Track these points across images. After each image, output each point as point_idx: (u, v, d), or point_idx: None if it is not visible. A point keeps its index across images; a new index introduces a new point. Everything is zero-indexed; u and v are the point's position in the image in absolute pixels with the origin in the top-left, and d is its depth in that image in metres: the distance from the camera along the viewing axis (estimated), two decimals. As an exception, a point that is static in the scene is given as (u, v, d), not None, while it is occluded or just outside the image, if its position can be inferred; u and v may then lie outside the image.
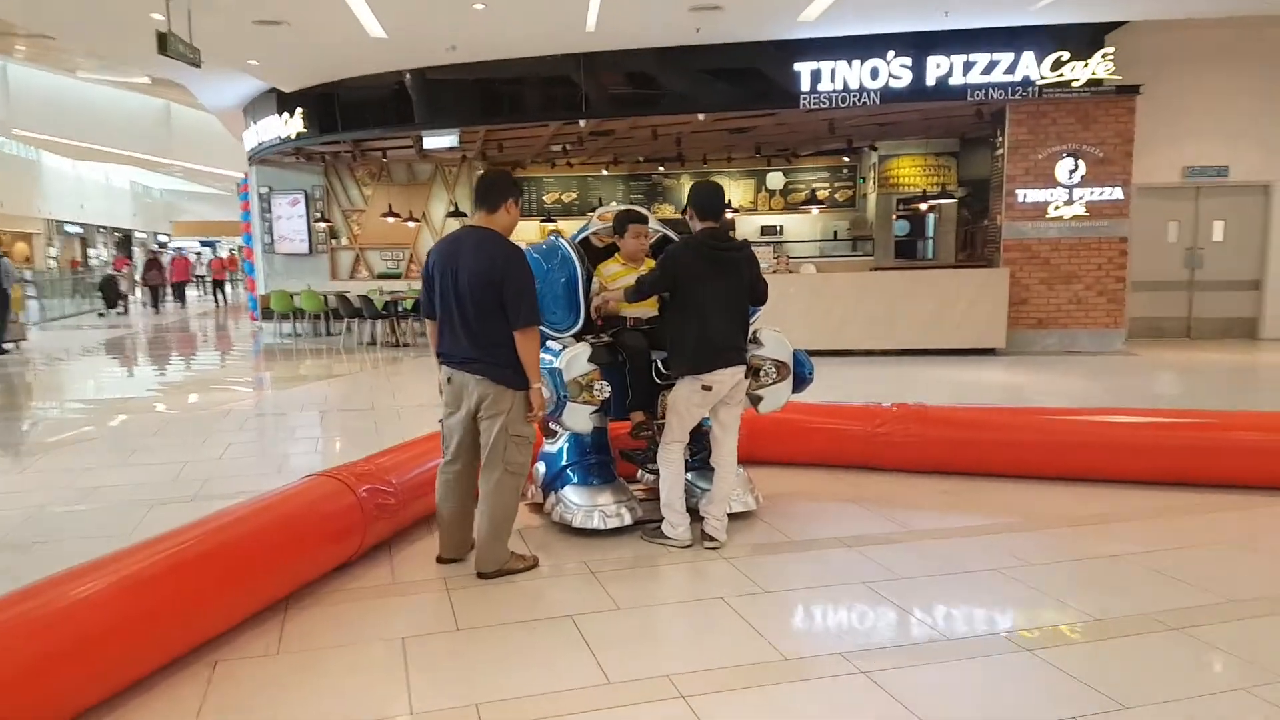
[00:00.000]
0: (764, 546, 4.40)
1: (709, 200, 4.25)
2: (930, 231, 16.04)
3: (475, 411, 3.89)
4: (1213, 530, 4.65)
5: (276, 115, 14.80)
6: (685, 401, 4.21)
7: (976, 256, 14.56)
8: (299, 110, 14.35)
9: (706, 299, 4.13)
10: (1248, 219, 12.75)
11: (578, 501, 4.54)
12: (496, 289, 3.74)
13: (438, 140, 13.54)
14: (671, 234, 5.10)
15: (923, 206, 14.90)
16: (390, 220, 16.10)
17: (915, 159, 16.04)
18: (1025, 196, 11.92)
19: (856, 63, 11.60)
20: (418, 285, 16.61)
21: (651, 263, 4.95)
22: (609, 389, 4.35)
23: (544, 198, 18.25)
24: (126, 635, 2.98)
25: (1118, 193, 11.79)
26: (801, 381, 4.66)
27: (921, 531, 4.60)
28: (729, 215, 16.32)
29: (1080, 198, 11.85)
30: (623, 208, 4.92)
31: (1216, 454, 5.18)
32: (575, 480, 4.66)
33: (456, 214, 15.93)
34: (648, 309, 4.76)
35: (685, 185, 18.19)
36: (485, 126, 13.31)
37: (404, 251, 17.11)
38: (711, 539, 4.33)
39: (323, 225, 16.96)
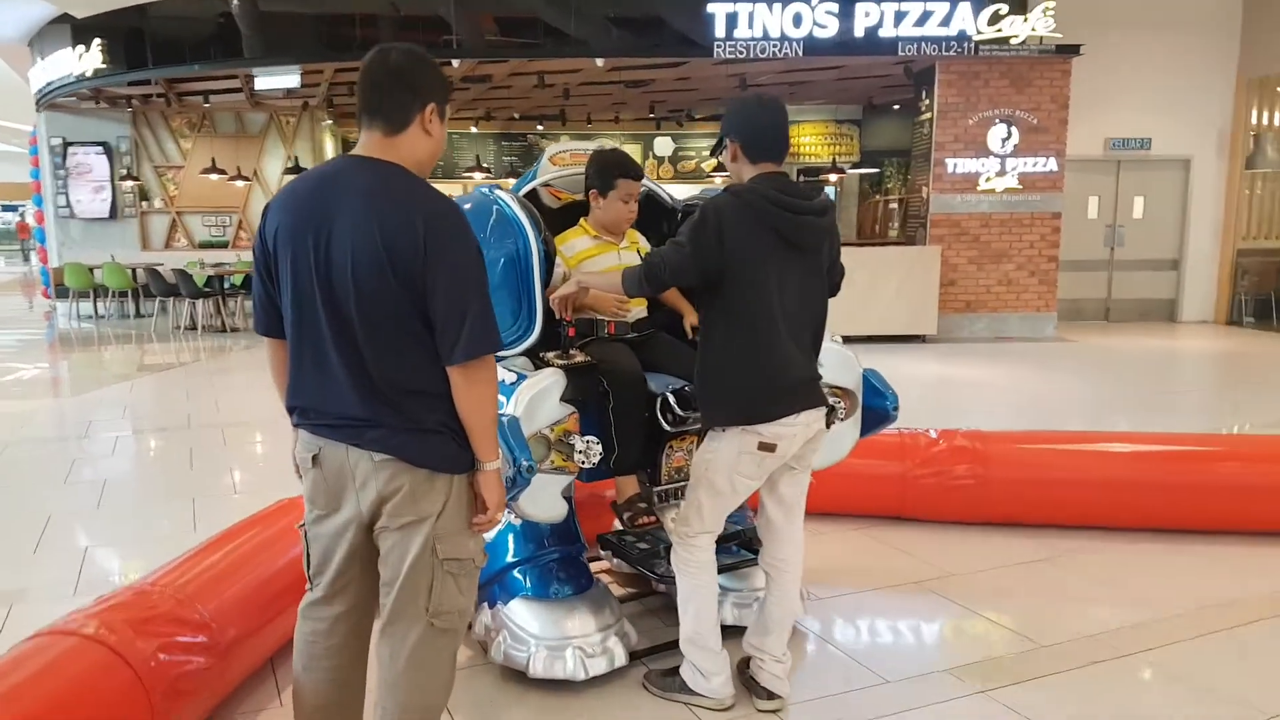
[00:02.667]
0: (849, 698, 2.72)
1: (771, 129, 2.49)
2: (831, 205, 14.83)
3: (373, 518, 2.04)
4: None
5: (70, 49, 12.24)
6: (729, 469, 2.48)
7: (883, 233, 13.47)
8: (97, 42, 11.86)
9: (771, 296, 2.42)
10: (1168, 195, 12.08)
11: (535, 630, 2.75)
12: (411, 281, 1.89)
13: (273, 81, 11.18)
14: (664, 194, 3.33)
15: (833, 178, 13.58)
16: (214, 178, 13.50)
17: (818, 126, 14.78)
18: (955, 167, 10.73)
19: (778, 6, 10.05)
20: (249, 258, 14.27)
21: (638, 238, 3.18)
22: (598, 447, 2.56)
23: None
24: None
25: (1052, 164, 10.76)
26: (880, 419, 3.00)
27: (1065, 650, 3.03)
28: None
29: (1013, 169, 10.75)
30: (605, 147, 3.11)
31: None
32: (529, 589, 2.86)
33: (296, 170, 13.47)
34: (637, 305, 3.01)
35: (562, 148, 16.33)
36: (333, 64, 11.04)
37: (231, 216, 14.52)
38: (768, 692, 2.63)
39: (130, 184, 14.11)
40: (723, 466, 2.48)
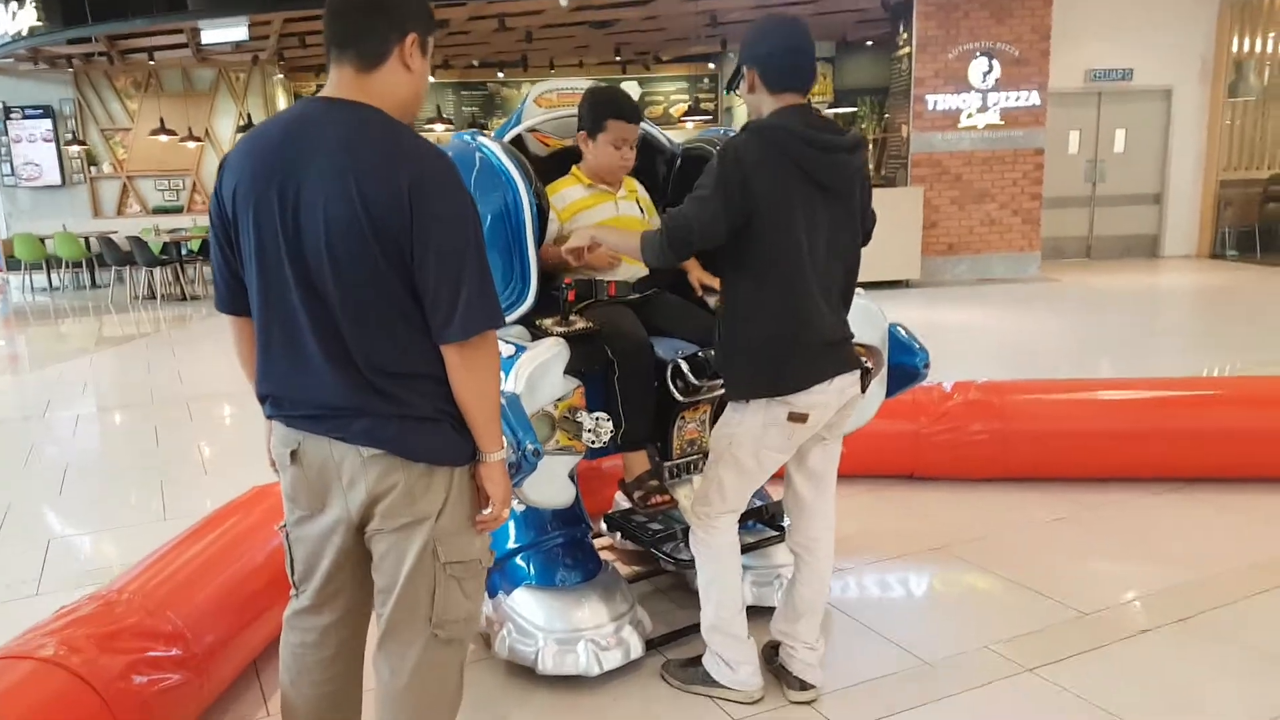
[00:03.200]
0: (887, 684, 2.51)
1: (793, 53, 2.18)
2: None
3: (364, 520, 1.77)
4: None
5: (2, 7, 11.43)
6: (755, 443, 2.23)
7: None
8: (31, -1, 11.00)
9: (801, 247, 2.14)
10: (1149, 127, 11.85)
11: (542, 622, 2.51)
12: (397, 248, 1.60)
13: (221, 34, 10.58)
14: (661, 138, 3.03)
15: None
16: (164, 140, 12.92)
17: (789, 65, 14.32)
18: (936, 103, 10.42)
19: (752, -65, 9.64)
20: (205, 222, 13.64)
21: (636, 187, 2.89)
22: (609, 424, 2.30)
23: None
24: None
25: (1034, 98, 10.49)
26: (908, 378, 2.75)
27: (1109, 618, 2.82)
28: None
29: (995, 104, 10.46)
30: (597, 85, 2.80)
31: None
32: (533, 577, 2.61)
33: (250, 128, 12.87)
34: (635, 262, 2.73)
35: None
36: (282, 14, 10.46)
37: (185, 179, 13.94)
38: (800, 682, 2.41)
39: (77, 149, 13.47)
40: (748, 441, 2.22)
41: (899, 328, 2.75)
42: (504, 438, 1.83)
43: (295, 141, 1.62)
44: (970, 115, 10.45)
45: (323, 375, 1.66)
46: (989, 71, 10.40)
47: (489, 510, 1.81)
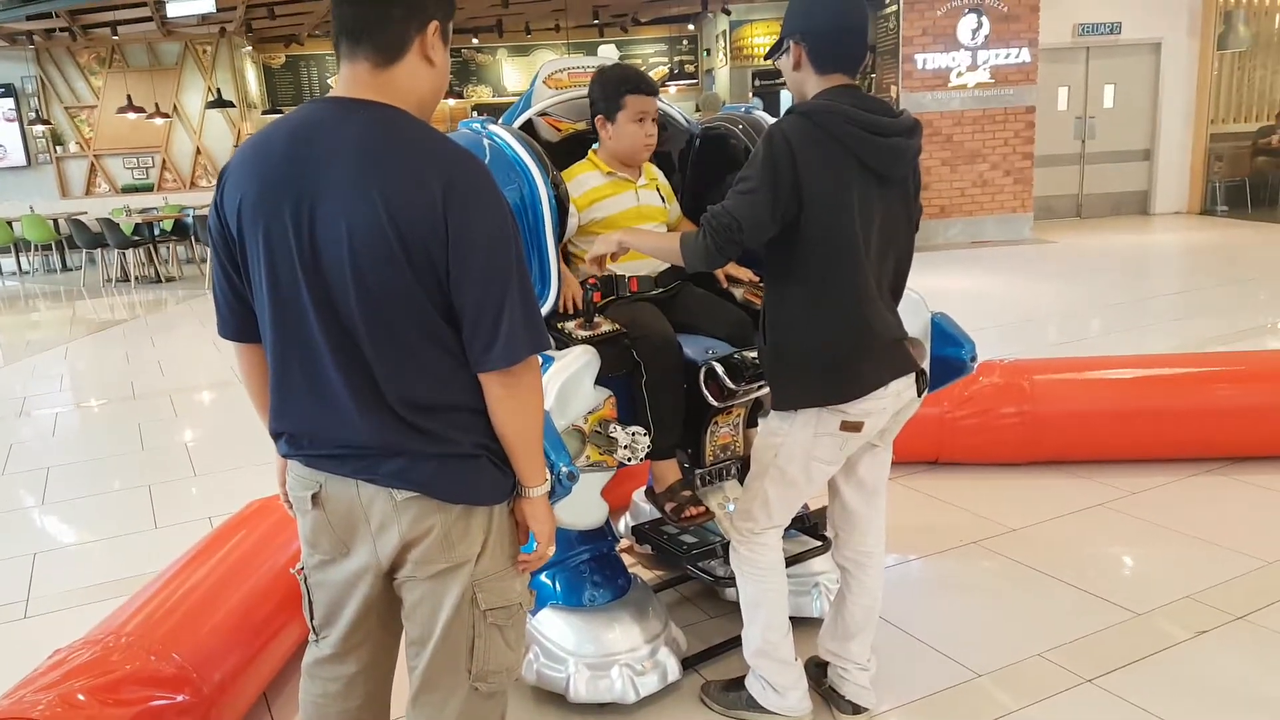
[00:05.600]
0: (940, 700, 2.38)
1: (851, 32, 1.98)
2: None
3: (394, 566, 1.59)
4: None
5: (-48, -20, 10.85)
6: (804, 455, 2.06)
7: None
8: (-18, -29, 10.51)
9: (855, 240, 1.96)
10: (1138, 82, 11.71)
11: (572, 646, 2.35)
12: (430, 267, 1.41)
13: (186, 6, 10.15)
14: (678, 115, 2.83)
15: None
16: (132, 117, 12.50)
17: (771, 25, 14.04)
18: (925, 62, 10.24)
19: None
20: (177, 200, 13.37)
21: (657, 174, 2.69)
22: (645, 439, 2.12)
23: (329, 81, 14.98)
24: None
25: (1024, 54, 10.30)
26: (954, 371, 2.58)
27: (1166, 618, 2.68)
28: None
29: (985, 61, 10.28)
30: (611, 62, 2.60)
31: None
32: (559, 596, 2.45)
33: (219, 103, 12.50)
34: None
35: (504, 63, 15.46)
36: (251, -15, 10.10)
37: (154, 156, 13.55)
38: (853, 705, 2.27)
39: (41, 129, 13.03)
40: (796, 453, 2.06)
41: (943, 318, 2.58)
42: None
43: (307, 149, 1.41)
44: (960, 74, 10.27)
45: (347, 411, 1.48)
46: (978, 28, 10.21)
47: (532, 548, 1.65)
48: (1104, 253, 9.60)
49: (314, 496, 1.57)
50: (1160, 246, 10.22)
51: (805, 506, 2.69)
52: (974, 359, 2.50)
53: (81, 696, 1.91)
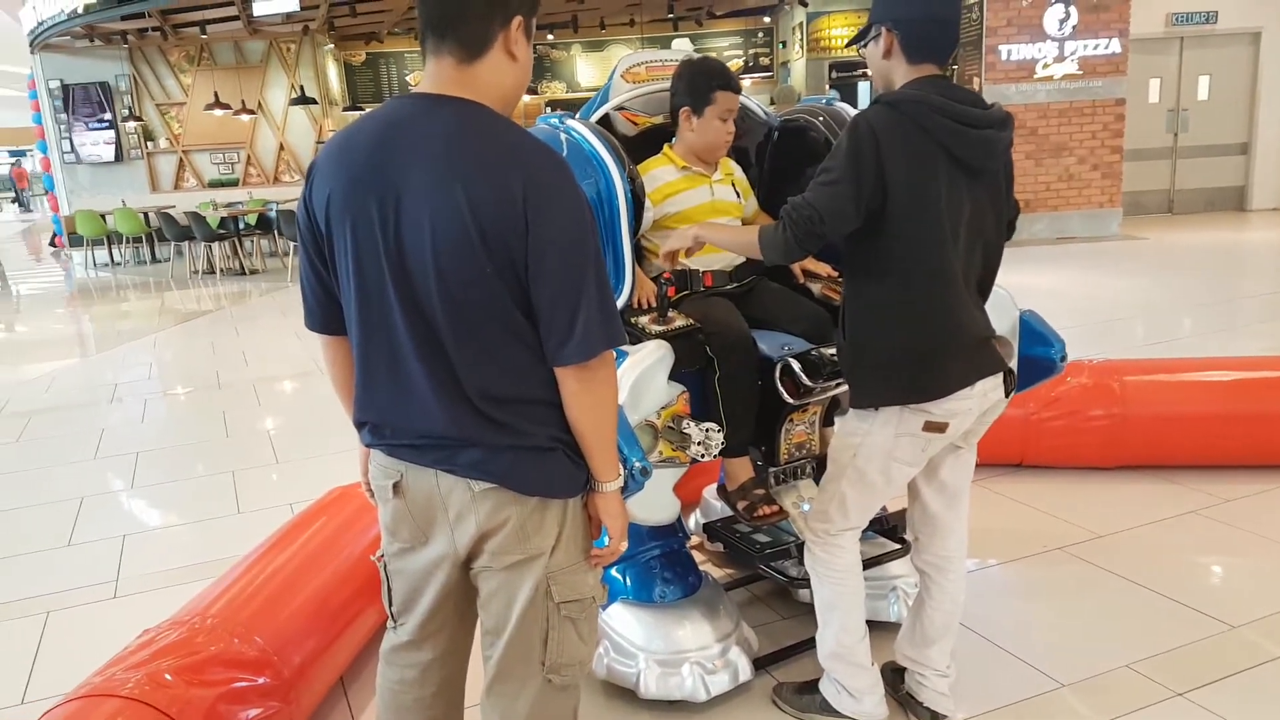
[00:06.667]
0: (1023, 710, 2.30)
1: (944, 23, 1.92)
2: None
3: (471, 555, 1.60)
4: None
5: (59, -16, 11.41)
6: (884, 457, 2.01)
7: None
8: (86, -24, 11.05)
9: (943, 235, 1.90)
10: (1235, 73, 11.23)
11: (641, 642, 2.34)
12: (511, 263, 1.41)
13: (271, 5, 10.43)
14: (758, 108, 2.79)
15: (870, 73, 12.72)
16: (219, 114, 12.91)
17: (849, 16, 13.87)
18: (1009, 54, 9.95)
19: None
20: (261, 194, 13.75)
21: (733, 169, 2.66)
22: (719, 436, 2.10)
23: (407, 78, 15.26)
24: None
25: (1114, 45, 9.95)
26: (1044, 371, 2.48)
27: (1264, 632, 2.56)
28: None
29: (1072, 53, 9.95)
30: (696, 56, 2.58)
31: None
32: (629, 591, 2.44)
33: (302, 100, 12.81)
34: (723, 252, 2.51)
35: (578, 59, 15.52)
36: (334, -17, 10.33)
37: (239, 152, 13.96)
38: (931, 713, 2.21)
39: (133, 125, 13.53)
40: (876, 454, 2.01)
41: (1032, 315, 2.49)
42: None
43: (393, 145, 1.42)
44: (1046, 65, 9.96)
45: (428, 402, 1.49)
46: (1065, 19, 9.88)
47: (605, 543, 1.64)
48: (1196, 250, 9.23)
49: (395, 485, 1.58)
50: (1256, 244, 9.78)
51: (884, 508, 2.63)
52: (1064, 359, 2.41)
53: (169, 676, 1.96)
